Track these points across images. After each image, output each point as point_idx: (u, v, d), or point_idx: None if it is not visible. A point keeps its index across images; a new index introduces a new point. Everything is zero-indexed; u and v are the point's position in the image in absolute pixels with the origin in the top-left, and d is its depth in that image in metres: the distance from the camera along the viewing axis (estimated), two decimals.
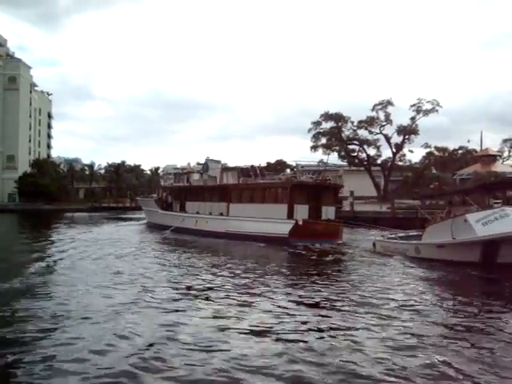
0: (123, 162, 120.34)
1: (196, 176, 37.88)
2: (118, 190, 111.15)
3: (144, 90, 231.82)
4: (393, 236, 22.69)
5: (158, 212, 39.14)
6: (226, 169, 35.24)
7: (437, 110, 65.00)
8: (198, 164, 42.34)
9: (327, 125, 68.37)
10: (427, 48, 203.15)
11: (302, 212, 25.97)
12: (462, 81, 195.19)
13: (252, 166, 32.00)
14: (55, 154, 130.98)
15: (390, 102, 66.16)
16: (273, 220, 26.23)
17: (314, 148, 68.75)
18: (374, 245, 22.13)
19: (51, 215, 64.99)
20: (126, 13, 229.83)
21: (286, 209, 26.02)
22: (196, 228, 31.91)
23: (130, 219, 53.62)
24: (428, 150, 75.20)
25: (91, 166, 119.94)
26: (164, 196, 40.64)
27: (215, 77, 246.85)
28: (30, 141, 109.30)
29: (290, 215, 25.79)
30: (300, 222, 25.23)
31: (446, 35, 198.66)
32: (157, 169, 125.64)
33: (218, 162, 37.85)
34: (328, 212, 27.57)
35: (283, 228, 25.41)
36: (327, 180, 29.25)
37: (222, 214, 30.98)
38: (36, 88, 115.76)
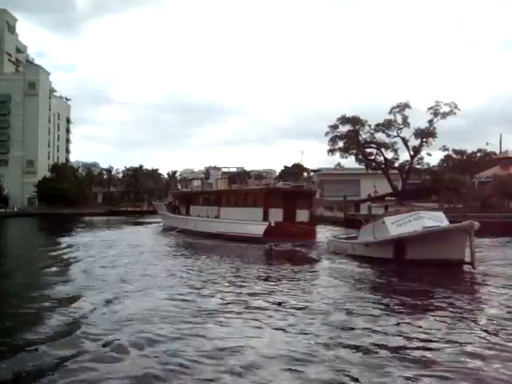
0: (141, 166, 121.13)
1: (196, 182, 42.53)
2: (135, 194, 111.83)
3: (161, 94, 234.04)
4: (343, 236, 24.85)
5: (168, 215, 42.83)
6: (224, 173, 39.00)
7: (455, 113, 64.13)
8: (216, 168, 44.55)
9: (344, 128, 67.93)
10: (445, 49, 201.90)
11: (276, 215, 28.73)
12: (479, 82, 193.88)
13: (238, 174, 36.88)
14: (73, 158, 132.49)
15: (407, 105, 65.56)
16: (251, 222, 29.09)
17: (331, 151, 68.44)
18: (327, 244, 24.05)
19: (70, 219, 65.69)
20: (143, 17, 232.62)
21: (261, 212, 28.94)
22: (196, 230, 34.56)
23: (148, 223, 54.08)
24: (446, 152, 74.54)
25: (109, 171, 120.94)
26: (173, 200, 44.82)
27: (232, 80, 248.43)
28: (49, 145, 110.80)
29: (265, 218, 28.59)
30: (273, 224, 27.99)
31: (464, 36, 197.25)
32: (174, 173, 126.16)
33: (219, 169, 41.85)
34: (302, 215, 29.86)
35: (259, 229, 28.13)
36: (301, 186, 32.85)
37: (216, 217, 33.67)
38: (55, 93, 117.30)
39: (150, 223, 53.54)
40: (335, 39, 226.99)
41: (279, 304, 11.09)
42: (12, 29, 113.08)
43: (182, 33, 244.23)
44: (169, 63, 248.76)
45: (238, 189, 33.76)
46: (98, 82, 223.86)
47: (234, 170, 46.52)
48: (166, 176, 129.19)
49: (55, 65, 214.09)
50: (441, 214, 18.71)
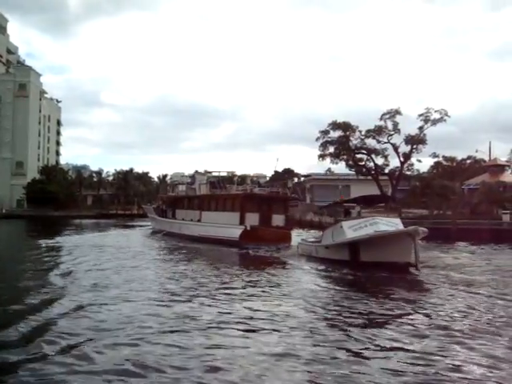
0: (131, 170, 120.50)
1: (181, 187, 43.76)
2: (125, 197, 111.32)
3: (152, 97, 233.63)
4: (311, 239, 25.69)
5: (156, 218, 44.26)
6: (211, 177, 40.37)
7: (445, 120, 64.72)
8: (206, 172, 44.88)
9: (335, 134, 68.28)
10: (436, 57, 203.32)
11: (252, 219, 29.81)
12: (470, 90, 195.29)
13: (218, 179, 38.24)
14: (63, 160, 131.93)
15: (398, 112, 66.00)
16: (229, 226, 30.13)
17: (322, 157, 68.70)
18: (297, 247, 24.96)
19: (59, 222, 65.33)
20: (135, 20, 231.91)
21: (238, 216, 30.00)
22: (180, 232, 35.88)
23: (137, 226, 54.01)
24: (436, 159, 74.97)
25: (99, 173, 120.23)
26: (161, 204, 46.38)
27: (223, 84, 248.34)
28: (39, 147, 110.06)
29: (242, 222, 29.63)
30: (248, 228, 28.98)
31: (455, 43, 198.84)
32: (164, 176, 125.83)
33: (204, 174, 43.16)
34: (278, 219, 31.14)
35: (235, 232, 29.24)
36: (277, 192, 33.90)
37: (198, 221, 34.90)
38: (45, 95, 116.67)
39: (139, 226, 53.68)
40: (327, 45, 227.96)
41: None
42: (3, 29, 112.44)
43: (175, 36, 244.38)
44: (160, 66, 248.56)
45: (218, 194, 34.93)
46: (89, 84, 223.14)
47: (225, 174, 47.02)
48: (156, 179, 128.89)
49: (46, 66, 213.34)
50: (397, 221, 19.94)
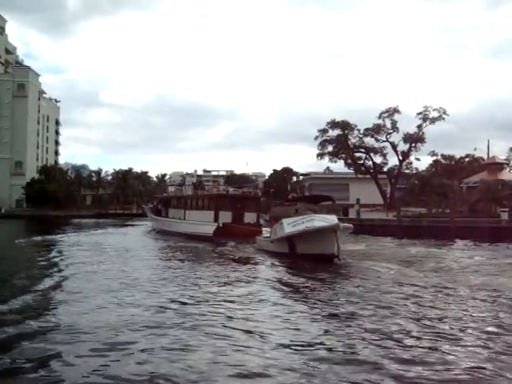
0: (130, 169, 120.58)
1: (171, 188, 48.81)
2: (124, 197, 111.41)
3: (151, 96, 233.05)
4: (266, 235, 27.44)
5: (153, 217, 47.51)
6: (198, 178, 44.11)
7: (443, 118, 64.87)
8: (205, 171, 47.61)
9: (334, 132, 68.39)
10: (434, 54, 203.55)
11: (225, 217, 32.57)
12: (468, 87, 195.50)
13: (199, 181, 42.73)
14: (62, 160, 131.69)
15: (396, 110, 66.15)
16: (205, 223, 33.07)
17: (321, 156, 68.85)
18: (255, 242, 26.76)
19: (58, 221, 65.18)
20: (134, 19, 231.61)
21: (213, 214, 32.85)
22: (169, 230, 39.03)
23: (135, 226, 54.48)
24: (435, 157, 75.09)
25: (98, 173, 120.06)
26: (156, 204, 49.45)
27: (221, 83, 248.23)
28: (37, 147, 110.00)
29: (216, 219, 32.39)
30: (220, 225, 31.55)
31: (453, 41, 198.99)
32: (163, 176, 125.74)
33: (193, 175, 47.12)
34: (250, 217, 33.64)
35: (210, 229, 31.94)
36: (249, 192, 37.58)
37: (184, 219, 37.83)
38: (44, 95, 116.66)
39: (137, 225, 54.59)
40: (324, 43, 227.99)
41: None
42: (1, 30, 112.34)
43: (173, 35, 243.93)
44: (159, 66, 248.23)
45: (198, 194, 38.09)
46: (88, 84, 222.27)
47: (224, 173, 49.10)
48: (155, 179, 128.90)
49: (44, 66, 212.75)
50: (333, 217, 21.74)
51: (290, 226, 21.23)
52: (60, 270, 17.17)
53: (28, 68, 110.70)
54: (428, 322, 9.48)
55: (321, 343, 8.06)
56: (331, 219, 21.00)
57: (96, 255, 22.17)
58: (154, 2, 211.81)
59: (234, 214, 33.23)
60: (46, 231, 41.12)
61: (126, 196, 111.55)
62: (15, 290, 13.12)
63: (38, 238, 33.53)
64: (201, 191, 38.96)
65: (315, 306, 11.19)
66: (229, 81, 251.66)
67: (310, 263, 18.60)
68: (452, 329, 9.00)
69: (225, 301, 11.58)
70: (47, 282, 14.40)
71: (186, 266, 19.12)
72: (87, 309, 10.63)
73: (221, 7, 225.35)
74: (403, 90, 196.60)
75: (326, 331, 8.93)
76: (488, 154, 62.45)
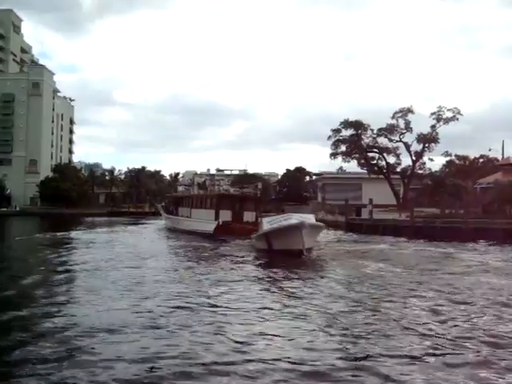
0: (143, 168, 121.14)
1: (181, 188, 52.73)
2: (137, 196, 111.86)
3: (164, 95, 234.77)
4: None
5: (165, 216, 49.76)
6: (213, 177, 48.87)
7: (457, 119, 64.25)
8: (218, 170, 49.05)
9: (347, 132, 68.04)
10: (449, 54, 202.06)
11: (225, 215, 34.44)
12: (483, 87, 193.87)
13: (204, 181, 45.53)
14: (76, 159, 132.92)
15: (410, 110, 65.65)
16: (207, 221, 34.95)
17: (334, 155, 68.51)
18: (251, 239, 27.55)
19: (72, 219, 65.76)
20: (147, 18, 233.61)
21: (214, 213, 34.77)
22: (178, 227, 41.17)
23: (147, 224, 54.93)
24: (448, 158, 74.35)
25: (111, 171, 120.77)
26: (168, 203, 52.15)
27: (234, 83, 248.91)
28: (52, 146, 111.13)
29: (217, 217, 34.22)
30: (220, 223, 33.42)
31: (468, 41, 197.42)
32: (177, 174, 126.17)
33: (202, 176, 51.16)
34: (249, 216, 35.38)
35: (211, 227, 33.86)
36: (249, 193, 40.15)
37: (189, 217, 39.85)
38: (58, 94, 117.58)
39: (149, 224, 55.34)
40: (340, 43, 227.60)
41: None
42: (17, 29, 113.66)
43: (186, 34, 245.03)
44: (172, 64, 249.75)
45: (202, 194, 40.46)
46: (101, 83, 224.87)
47: (237, 172, 50.12)
48: (168, 178, 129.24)
49: (59, 65, 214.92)
50: (310, 216, 23.90)
51: (269, 224, 22.87)
52: (70, 267, 17.95)
53: (43, 67, 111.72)
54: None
55: None
56: (308, 217, 22.91)
57: (107, 254, 22.58)
58: (168, 0, 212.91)
59: (233, 212, 35.18)
60: (60, 228, 41.79)
61: (139, 195, 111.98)
62: (30, 285, 13.61)
63: (52, 235, 34.75)
64: (204, 191, 41.16)
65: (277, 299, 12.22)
66: (243, 80, 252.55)
67: (282, 258, 20.13)
68: None
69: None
70: (60, 279, 14.96)
71: (183, 265, 19.24)
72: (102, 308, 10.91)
73: (235, 5, 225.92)
74: (417, 90, 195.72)
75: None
76: (503, 154, 61.97)
